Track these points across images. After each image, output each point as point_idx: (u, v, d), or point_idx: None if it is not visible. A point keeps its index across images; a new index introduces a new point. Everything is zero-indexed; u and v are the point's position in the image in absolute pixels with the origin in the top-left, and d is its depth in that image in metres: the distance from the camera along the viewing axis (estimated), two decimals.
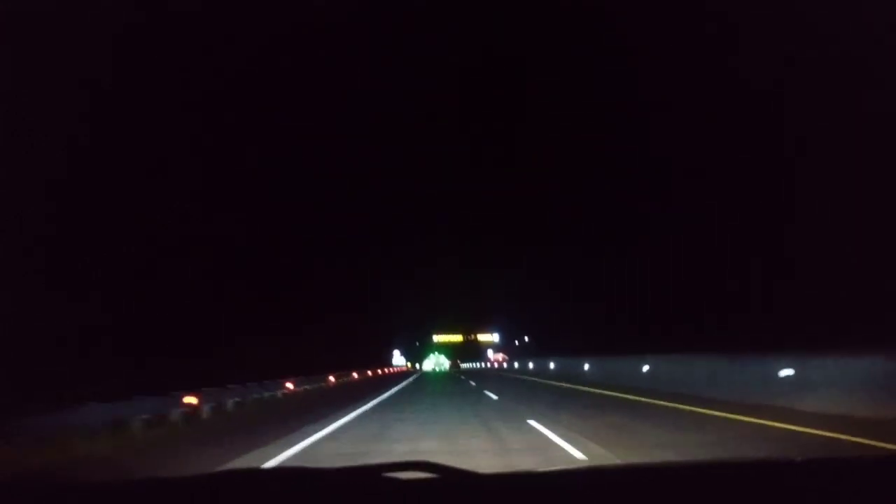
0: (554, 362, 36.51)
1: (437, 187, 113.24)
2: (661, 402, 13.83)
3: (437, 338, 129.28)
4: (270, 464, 7.13)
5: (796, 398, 10.83)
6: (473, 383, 30.10)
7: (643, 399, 15.05)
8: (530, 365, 46.94)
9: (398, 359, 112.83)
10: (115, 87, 18.50)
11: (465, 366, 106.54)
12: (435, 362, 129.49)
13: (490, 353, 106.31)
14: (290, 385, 21.53)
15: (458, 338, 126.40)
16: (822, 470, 1.72)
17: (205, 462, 7.20)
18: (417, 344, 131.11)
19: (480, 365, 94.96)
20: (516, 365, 59.55)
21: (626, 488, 1.55)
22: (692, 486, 1.55)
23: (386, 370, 69.19)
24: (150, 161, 20.31)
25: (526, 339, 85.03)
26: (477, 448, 7.94)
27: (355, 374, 39.10)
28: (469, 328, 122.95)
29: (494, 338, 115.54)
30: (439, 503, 1.45)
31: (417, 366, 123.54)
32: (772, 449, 7.26)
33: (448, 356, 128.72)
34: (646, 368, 19.72)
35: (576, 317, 49.17)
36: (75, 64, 15.54)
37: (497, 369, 68.59)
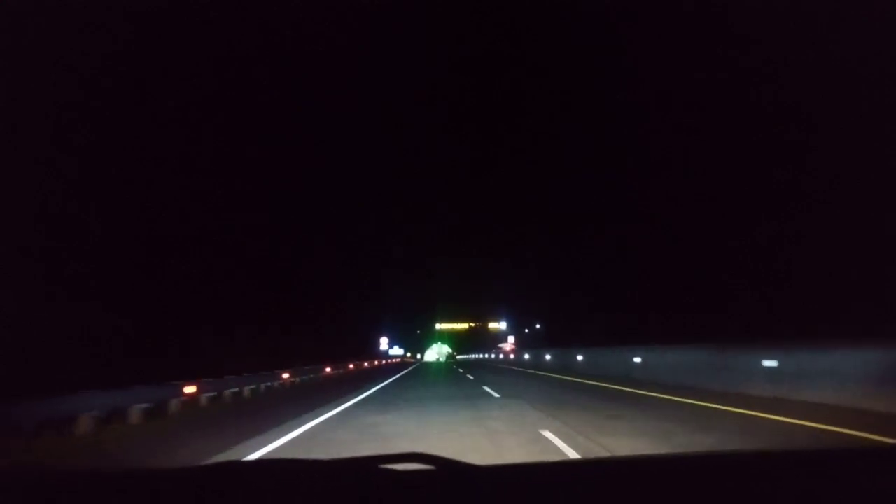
0: (549, 354, 36.83)
1: (440, 179, 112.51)
2: (613, 386, 16.56)
3: (440, 326, 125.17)
4: (266, 451, 7.20)
5: (772, 388, 11.23)
6: (461, 370, 35.06)
7: (611, 385, 16.60)
8: (526, 356, 47.05)
9: (389, 347, 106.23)
10: (116, 88, 18.72)
11: (463, 357, 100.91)
12: (437, 352, 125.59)
13: (511, 339, 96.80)
14: (286, 376, 21.85)
15: (462, 326, 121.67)
16: (808, 461, 1.75)
17: (201, 451, 7.28)
18: (419, 332, 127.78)
19: (486, 355, 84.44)
20: (512, 356, 59.22)
21: (620, 480, 1.57)
22: (686, 478, 1.57)
23: (383, 362, 68.82)
24: (147, 160, 20.57)
25: (538, 326, 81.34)
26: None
27: (351, 366, 39.52)
28: (477, 316, 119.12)
29: (502, 326, 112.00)
30: (436, 495, 1.43)
31: (419, 356, 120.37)
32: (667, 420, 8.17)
33: (451, 346, 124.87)
34: (637, 360, 20.06)
35: (580, 306, 49.29)
36: (76, 65, 15.72)
37: (501, 360, 67.45)
